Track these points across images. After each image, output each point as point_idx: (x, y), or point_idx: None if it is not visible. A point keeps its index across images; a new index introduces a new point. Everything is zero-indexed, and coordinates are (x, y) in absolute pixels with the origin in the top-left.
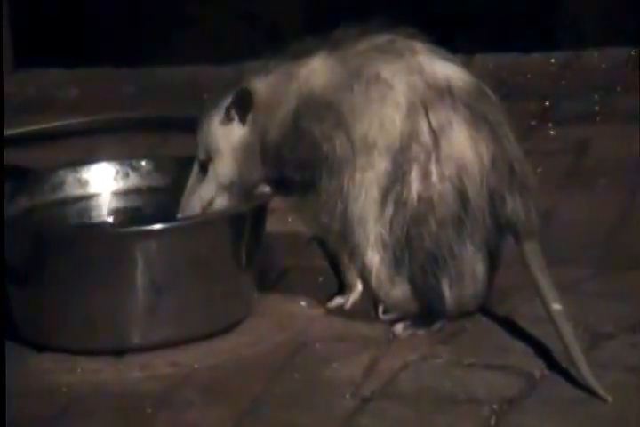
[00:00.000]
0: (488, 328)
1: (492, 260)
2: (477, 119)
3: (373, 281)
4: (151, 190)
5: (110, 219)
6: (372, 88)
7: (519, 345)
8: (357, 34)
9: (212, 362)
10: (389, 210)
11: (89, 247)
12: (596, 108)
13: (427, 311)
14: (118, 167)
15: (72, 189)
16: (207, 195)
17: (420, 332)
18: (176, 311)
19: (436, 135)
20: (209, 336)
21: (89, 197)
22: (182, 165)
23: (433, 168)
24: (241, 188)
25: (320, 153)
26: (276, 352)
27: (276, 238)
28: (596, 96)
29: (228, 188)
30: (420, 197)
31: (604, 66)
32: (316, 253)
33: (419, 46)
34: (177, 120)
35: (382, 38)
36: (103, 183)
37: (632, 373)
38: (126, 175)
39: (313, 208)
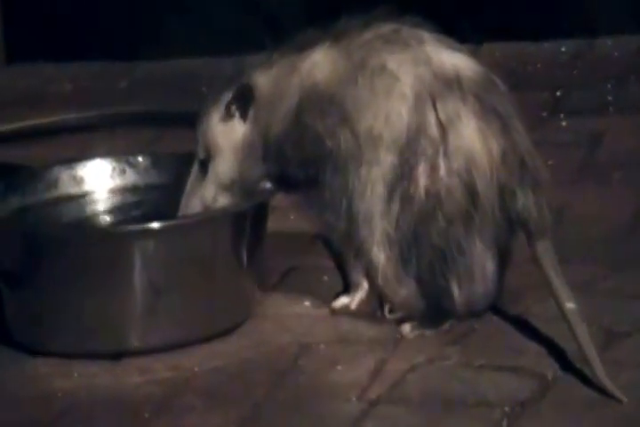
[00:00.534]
0: (499, 328)
1: (503, 257)
2: (487, 111)
3: (380, 280)
4: (149, 188)
5: (107, 218)
6: (377, 80)
7: (531, 346)
8: (361, 24)
9: (212, 365)
10: (396, 206)
11: (85, 247)
12: (610, 98)
13: (435, 311)
14: (115, 164)
15: (67, 187)
16: (208, 195)
17: (428, 332)
18: (176, 313)
19: (443, 128)
20: (210, 338)
21: (84, 195)
22: (181, 162)
23: (441, 162)
24: (242, 186)
25: (324, 149)
26: (279, 355)
27: (278, 237)
28: (609, 86)
29: (229, 187)
30: (427, 192)
31: (616, 54)
32: (319, 252)
33: (425, 36)
34: (175, 115)
35: (387, 28)
36: (99, 181)
37: None
38: (123, 172)
39: (317, 205)
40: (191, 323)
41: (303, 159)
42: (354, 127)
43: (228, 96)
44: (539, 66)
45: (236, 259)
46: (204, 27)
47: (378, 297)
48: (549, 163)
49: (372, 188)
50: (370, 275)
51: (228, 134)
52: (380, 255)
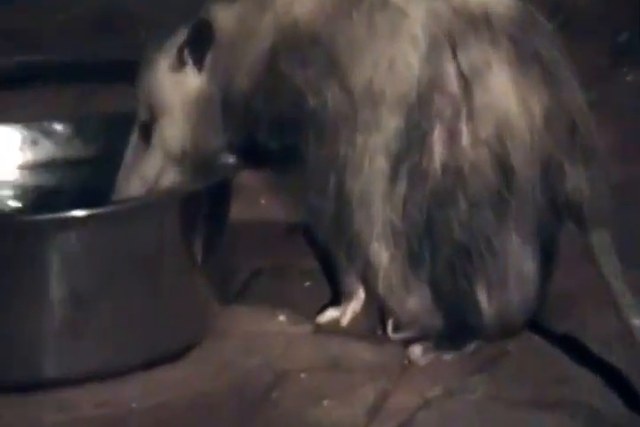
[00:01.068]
0: (539, 351)
1: (547, 255)
2: (525, 58)
3: (381, 286)
4: (71, 163)
5: (13, 203)
6: (379, 17)
7: (582, 374)
8: None
9: (156, 400)
10: (402, 186)
11: None
12: None
13: (455, 328)
14: (25, 132)
15: None
16: (151, 170)
17: (446, 356)
18: (105, 331)
19: (467, 81)
20: (151, 365)
21: None
22: (115, 128)
23: (463, 127)
24: (196, 159)
25: (305, 108)
26: (246, 385)
27: (243, 228)
28: None
29: (178, 159)
30: (445, 168)
31: None
32: (299, 249)
33: None
34: (105, 67)
35: None
36: (4, 154)
37: None
38: (35, 143)
39: (295, 185)
40: (127, 344)
41: (277, 123)
42: (346, 80)
43: (178, 38)
44: None
45: (188, 258)
46: None
47: (378, 309)
48: (609, 129)
49: (370, 161)
50: (367, 279)
51: (177, 88)
52: (381, 252)
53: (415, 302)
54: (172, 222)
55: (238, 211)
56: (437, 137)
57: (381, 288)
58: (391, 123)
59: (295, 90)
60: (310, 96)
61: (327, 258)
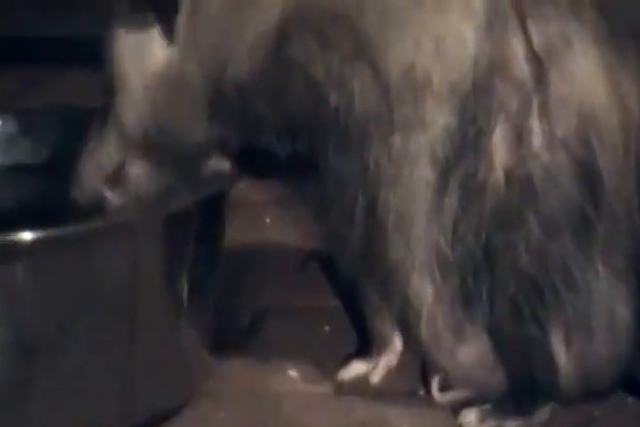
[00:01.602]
0: (636, 418)
1: None
2: (617, 33)
3: (423, 332)
4: (14, 170)
5: None
6: None
7: None
8: None
9: None
10: (453, 201)
11: None
12: None
13: (522, 387)
14: None
15: None
16: (109, 158)
17: (511, 424)
18: (63, 393)
19: (540, 64)
20: None
21: None
22: (72, 125)
23: (535, 124)
24: (166, 152)
25: (324, 105)
26: None
27: (244, 256)
28: None
29: (143, 148)
30: (510, 178)
31: None
32: (316, 283)
33: None
34: (56, 44)
35: None
36: None
37: None
38: None
39: (313, 202)
40: (90, 409)
41: (286, 122)
42: (379, 66)
43: None
44: None
45: (172, 296)
46: None
47: (420, 364)
48: None
49: (411, 169)
50: (406, 324)
51: (138, 58)
52: (424, 288)
53: (469, 353)
54: (151, 249)
55: (237, 233)
56: (500, 137)
57: (424, 335)
58: (439, 119)
59: (312, 82)
60: (332, 90)
61: (352, 295)
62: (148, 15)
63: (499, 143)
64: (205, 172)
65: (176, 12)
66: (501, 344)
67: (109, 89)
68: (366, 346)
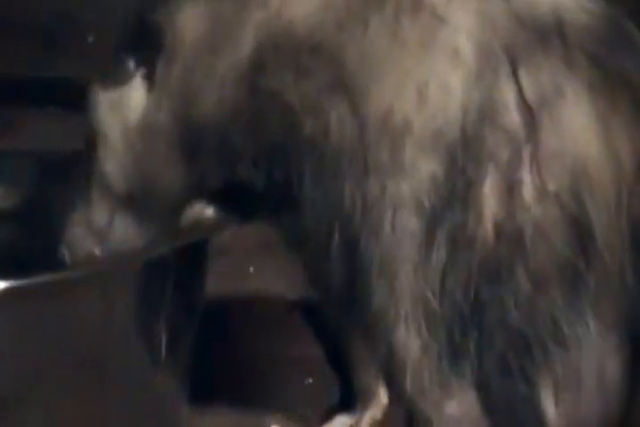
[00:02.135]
0: None
1: (637, 351)
2: (611, 85)
3: (409, 385)
4: None
5: None
6: (407, 22)
7: None
8: None
9: None
10: (440, 254)
11: None
12: None
13: None
14: None
15: None
16: (96, 215)
17: None
18: None
19: (532, 113)
20: None
21: None
22: (44, 170)
23: (525, 176)
24: (150, 203)
25: (299, 134)
26: None
27: (225, 306)
28: None
29: (127, 201)
30: (499, 231)
31: None
32: (299, 333)
33: None
34: (40, 85)
35: None
36: None
37: None
38: None
39: (291, 242)
40: None
41: (263, 152)
42: (356, 102)
43: (121, 41)
44: None
45: (146, 347)
46: None
47: (405, 417)
48: None
49: (393, 217)
50: (392, 377)
51: (117, 108)
52: (410, 340)
53: (456, 408)
54: (125, 299)
55: (219, 282)
56: (489, 189)
57: (410, 389)
58: (422, 167)
59: (286, 110)
60: (307, 118)
61: (337, 346)
62: (129, 64)
63: (488, 195)
64: (187, 219)
65: (156, 57)
66: (489, 401)
67: (91, 143)
68: (351, 398)
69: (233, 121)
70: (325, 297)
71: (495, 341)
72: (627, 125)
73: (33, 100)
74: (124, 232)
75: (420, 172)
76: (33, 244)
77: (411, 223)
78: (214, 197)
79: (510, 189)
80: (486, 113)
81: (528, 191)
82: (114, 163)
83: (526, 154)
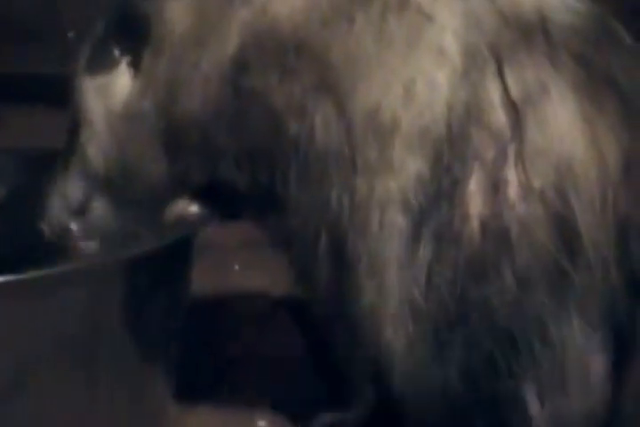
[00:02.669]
0: None
1: (622, 349)
2: (596, 84)
3: (396, 382)
4: None
5: None
6: (393, 21)
7: None
8: None
9: None
10: (427, 252)
11: None
12: None
13: None
14: None
15: None
16: (73, 192)
17: None
18: None
19: (517, 112)
20: None
21: None
22: (26, 164)
23: (511, 174)
24: (130, 190)
25: (284, 135)
26: None
27: (211, 303)
28: None
29: (107, 184)
30: (485, 229)
31: None
32: (285, 332)
33: None
34: (26, 82)
35: None
36: None
37: None
38: None
39: (277, 240)
40: None
41: (246, 153)
42: (343, 102)
43: (106, 25)
44: None
45: (133, 343)
46: None
47: (395, 415)
48: None
49: (381, 215)
50: (378, 375)
51: (102, 92)
52: (396, 341)
53: (441, 404)
54: (112, 296)
55: (204, 280)
56: (475, 187)
57: (396, 384)
58: (409, 165)
59: (270, 111)
60: (292, 119)
61: (323, 344)
62: (115, 51)
63: (474, 193)
64: (171, 215)
65: (143, 43)
66: (475, 398)
67: (74, 125)
68: (337, 398)
69: (216, 120)
70: (312, 295)
71: (481, 339)
72: (612, 124)
73: (18, 97)
74: (100, 213)
75: (408, 170)
76: (19, 241)
77: (398, 221)
78: (199, 194)
79: (496, 187)
80: (472, 111)
81: (513, 189)
82: (96, 147)
83: (511, 152)
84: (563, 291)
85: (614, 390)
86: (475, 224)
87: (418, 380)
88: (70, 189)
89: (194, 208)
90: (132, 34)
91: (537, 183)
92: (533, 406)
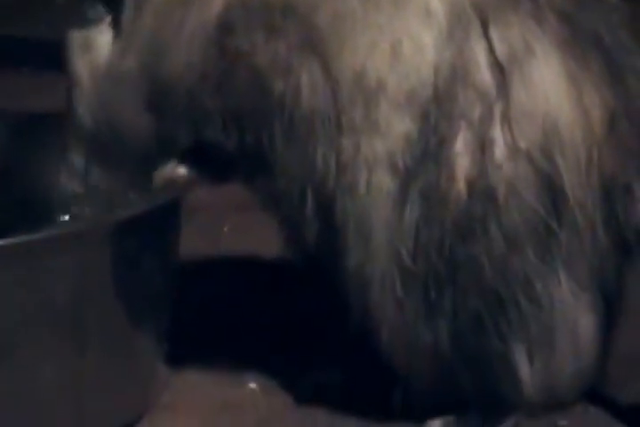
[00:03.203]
0: None
1: (609, 306)
2: (581, 43)
3: (385, 343)
4: None
5: None
6: None
7: None
8: None
9: None
10: (414, 212)
11: None
12: None
13: (486, 399)
14: None
15: None
16: (77, 160)
17: None
18: (7, 406)
19: (503, 71)
20: None
21: None
22: (16, 128)
23: (497, 134)
24: (121, 152)
25: (269, 95)
26: None
27: (201, 267)
28: None
29: (99, 147)
30: (472, 189)
31: None
32: (275, 295)
33: None
34: (12, 44)
35: None
36: None
37: None
38: None
39: (266, 202)
40: (39, 422)
41: (232, 114)
42: (329, 62)
43: None
44: None
45: (123, 306)
46: None
47: (384, 373)
48: None
49: (368, 175)
50: (369, 333)
51: (85, 50)
52: (385, 299)
53: (431, 363)
54: (99, 259)
55: (194, 243)
56: (461, 147)
57: (385, 345)
58: (396, 126)
59: (255, 71)
60: (277, 79)
61: (308, 303)
62: (98, 8)
63: (461, 153)
64: (160, 178)
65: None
66: (464, 357)
67: (70, 84)
68: (328, 355)
69: (201, 81)
70: (301, 257)
71: (469, 298)
72: (597, 83)
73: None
74: (99, 178)
75: (394, 130)
76: (5, 205)
77: (385, 182)
78: (187, 157)
79: (482, 146)
80: (458, 71)
81: (500, 149)
82: (84, 103)
83: (497, 112)
84: (550, 250)
85: (601, 348)
86: (461, 184)
87: (406, 339)
88: (71, 157)
89: (182, 171)
90: None
91: (523, 143)
92: (522, 368)
